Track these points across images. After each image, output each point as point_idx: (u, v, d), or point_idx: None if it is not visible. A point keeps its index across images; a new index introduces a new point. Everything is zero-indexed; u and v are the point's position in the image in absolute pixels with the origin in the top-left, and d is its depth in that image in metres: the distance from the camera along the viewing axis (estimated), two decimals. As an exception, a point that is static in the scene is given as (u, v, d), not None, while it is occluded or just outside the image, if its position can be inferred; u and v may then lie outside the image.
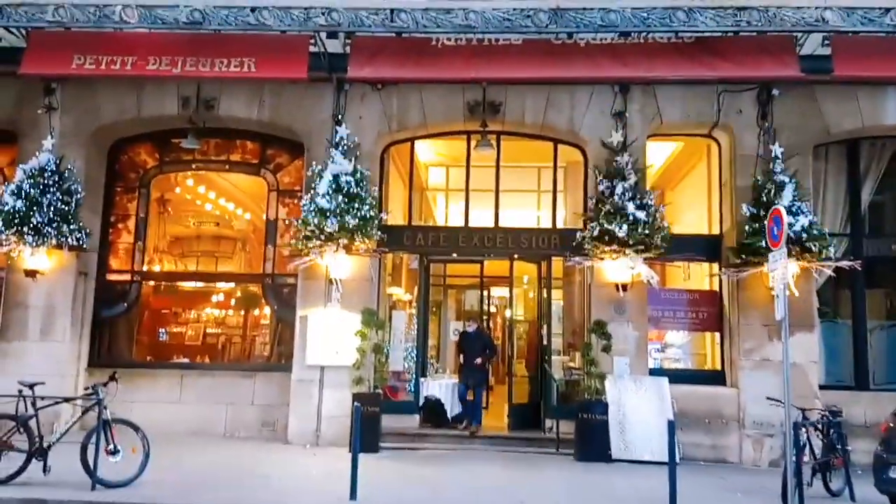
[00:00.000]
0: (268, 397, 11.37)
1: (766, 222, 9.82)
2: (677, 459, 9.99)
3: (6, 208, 10.36)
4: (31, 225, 10.32)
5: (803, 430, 7.93)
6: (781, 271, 7.71)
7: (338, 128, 11.14)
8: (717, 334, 11.56)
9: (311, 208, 10.59)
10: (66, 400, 7.83)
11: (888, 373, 11.17)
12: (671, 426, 7.15)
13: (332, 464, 9.31)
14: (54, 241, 10.54)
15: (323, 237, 10.52)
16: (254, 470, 8.94)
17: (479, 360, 11.61)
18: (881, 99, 11.10)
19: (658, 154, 12.96)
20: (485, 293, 13.45)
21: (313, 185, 10.80)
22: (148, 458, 7.71)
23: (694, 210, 12.53)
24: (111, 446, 7.58)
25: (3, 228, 10.33)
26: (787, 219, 7.77)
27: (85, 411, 7.87)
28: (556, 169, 12.14)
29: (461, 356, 12.13)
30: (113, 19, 9.79)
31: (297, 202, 11.38)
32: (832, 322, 11.37)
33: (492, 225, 11.93)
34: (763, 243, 10.17)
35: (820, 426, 8.52)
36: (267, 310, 12.33)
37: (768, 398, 8.77)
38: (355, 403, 8.61)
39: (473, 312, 16.25)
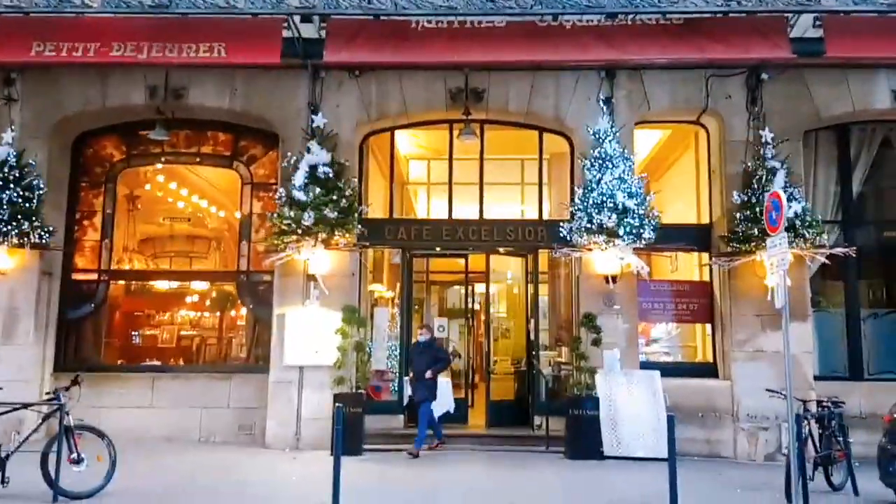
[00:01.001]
0: (245, 400, 10.87)
1: (763, 207, 9.56)
2: (672, 455, 9.88)
3: (-37, 204, 9.78)
4: (-10, 222, 9.75)
5: (805, 422, 7.60)
6: (780, 257, 7.37)
7: (314, 116, 10.67)
8: (709, 326, 11.28)
9: (287, 201, 10.13)
10: (25, 406, 7.28)
11: (883, 362, 10.93)
12: (671, 421, 6.77)
13: (313, 468, 8.84)
14: (15, 240, 9.98)
15: (300, 231, 10.07)
16: (230, 476, 8.47)
17: (428, 374, 10.24)
18: (871, 83, 10.87)
19: (644, 144, 12.64)
20: (469, 289, 13.04)
21: (289, 178, 10.33)
22: (115, 466, 7.20)
23: (682, 199, 12.23)
24: (74, 455, 7.05)
25: (-41, 226, 9.74)
26: (786, 202, 7.43)
27: (45, 417, 7.35)
28: (542, 159, 11.77)
29: (409, 367, 10.92)
30: (74, 3, 9.24)
31: (273, 196, 10.90)
32: (825, 311, 11.12)
33: (476, 217, 11.53)
34: (755, 231, 10.00)
35: (821, 418, 8.21)
36: (243, 309, 11.82)
37: (768, 390, 8.48)
38: (336, 404, 8.10)
39: (456, 310, 15.87)
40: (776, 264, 7.50)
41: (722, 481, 8.73)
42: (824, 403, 8.31)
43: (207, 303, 12.66)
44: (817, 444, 8.11)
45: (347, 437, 9.59)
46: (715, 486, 8.41)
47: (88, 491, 6.98)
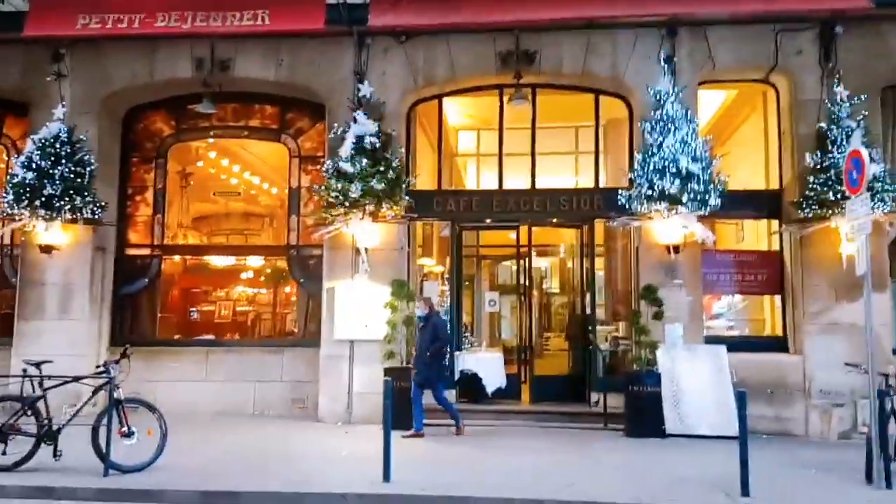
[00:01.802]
0: (297, 374, 10.80)
1: (839, 169, 9.07)
2: (737, 432, 9.34)
3: (16, 181, 9.86)
4: (43, 198, 9.82)
5: (888, 398, 7.01)
6: (863, 220, 6.78)
7: (360, 85, 10.37)
8: (778, 297, 10.64)
9: (334, 172, 9.90)
10: (75, 379, 7.25)
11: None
12: (742, 398, 6.33)
13: (364, 443, 8.68)
14: (68, 215, 10.03)
15: (347, 203, 9.85)
16: (281, 451, 8.37)
17: (429, 353, 9.33)
18: (957, 34, 9.95)
19: (708, 106, 11.92)
20: (521, 262, 12.58)
21: (336, 149, 10.09)
22: (165, 440, 7.15)
23: (749, 164, 11.50)
24: (125, 428, 7.02)
25: (14, 202, 9.84)
26: (868, 160, 6.78)
27: (96, 391, 7.30)
28: (598, 124, 11.21)
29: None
30: (118, -26, 9.14)
31: (320, 169, 10.67)
32: (902, 281, 10.34)
33: (528, 187, 11.09)
34: (830, 195, 9.34)
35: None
36: (295, 284, 11.69)
37: (847, 364, 7.85)
38: (386, 378, 7.84)
39: (508, 286, 15.48)
40: (857, 228, 6.91)
41: (794, 461, 8.19)
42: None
43: (261, 278, 12.63)
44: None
45: (398, 412, 9.48)
46: (787, 466, 7.89)
47: (139, 464, 6.96)
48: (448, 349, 10.07)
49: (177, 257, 12.21)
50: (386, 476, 6.76)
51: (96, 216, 10.32)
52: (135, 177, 11.71)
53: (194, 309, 12.26)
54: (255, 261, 12.50)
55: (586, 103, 11.25)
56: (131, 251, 11.56)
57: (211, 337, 11.53)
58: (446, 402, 9.62)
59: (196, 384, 10.82)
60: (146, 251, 11.55)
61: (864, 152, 6.85)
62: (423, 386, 9.38)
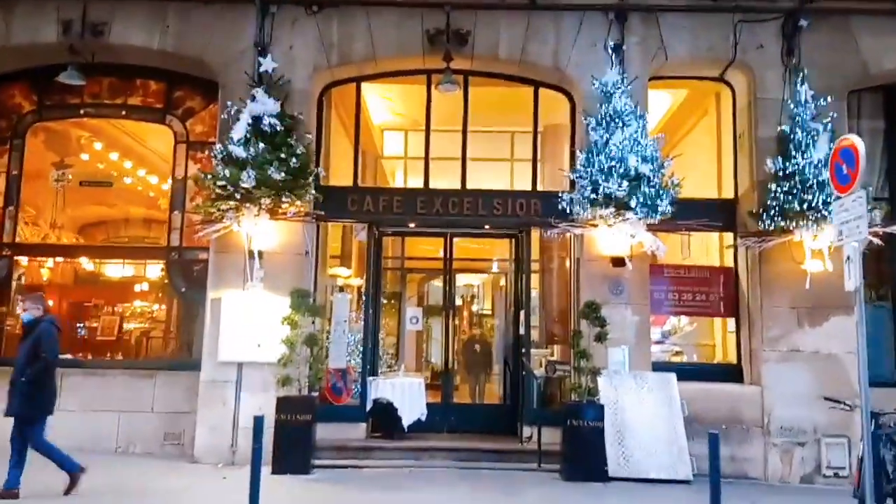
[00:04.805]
0: (172, 402, 8.94)
1: (802, 176, 8.18)
2: (689, 476, 8.07)
3: None
4: None
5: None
6: (854, 223, 5.58)
7: (261, 59, 8.79)
8: (732, 320, 9.49)
9: (225, 158, 8.23)
10: None
11: (938, 366, 9.19)
12: (714, 441, 5.00)
13: (245, 492, 6.91)
14: None
15: (239, 196, 8.17)
16: (142, 500, 6.69)
17: (23, 378, 6.56)
18: (930, 33, 9.14)
19: (654, 109, 10.75)
20: (449, 277, 11.10)
21: (229, 132, 8.43)
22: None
23: (700, 172, 10.36)
24: None
25: None
26: (863, 152, 5.62)
27: None
28: (537, 122, 9.89)
29: None
30: None
31: (210, 155, 8.94)
32: (870, 305, 9.31)
33: (458, 187, 9.65)
34: (794, 205, 8.28)
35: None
36: (173, 294, 9.85)
37: (827, 398, 6.66)
38: (256, 416, 5.85)
39: (436, 305, 13.98)
40: (848, 233, 5.71)
41: (760, 513, 6.94)
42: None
43: (137, 287, 10.72)
44: (889, 470, 6.31)
45: (293, 451, 7.90)
46: (754, 521, 6.61)
47: None
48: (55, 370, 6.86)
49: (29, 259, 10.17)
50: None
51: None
52: (-17, 160, 9.69)
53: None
54: (128, 268, 10.56)
55: (524, 100, 9.92)
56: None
57: (67, 356, 9.50)
58: (48, 445, 6.73)
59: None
60: (-9, 250, 9.51)
61: (859, 142, 5.67)
62: (25, 424, 6.57)
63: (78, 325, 10.42)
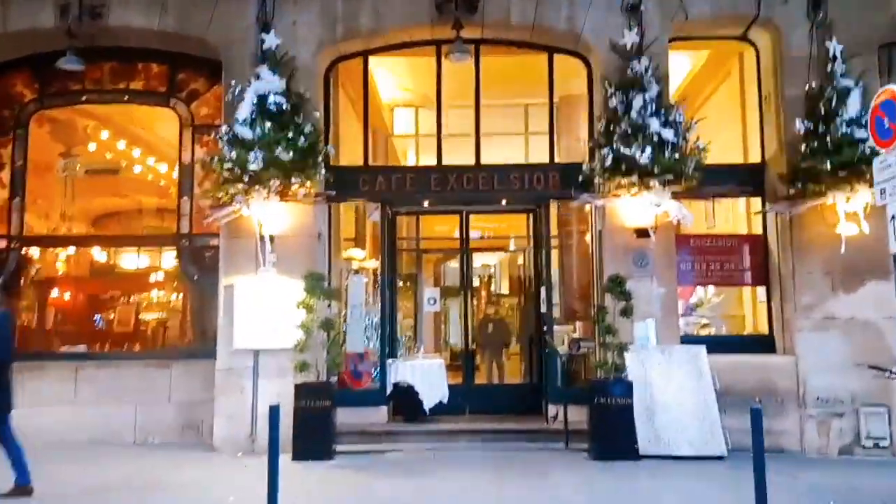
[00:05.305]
0: (189, 392, 8.76)
1: (833, 136, 7.73)
2: (724, 451, 7.79)
3: None
4: None
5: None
6: (899, 181, 5.22)
7: (265, 35, 8.47)
8: (762, 289, 9.14)
9: (231, 140, 7.96)
10: None
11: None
12: (757, 415, 4.72)
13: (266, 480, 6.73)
14: None
15: (247, 178, 7.90)
16: (157, 492, 6.48)
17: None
18: (963, -18, 8.65)
19: (674, 74, 10.35)
20: (466, 257, 10.80)
21: (234, 112, 8.16)
22: None
23: (724, 136, 9.97)
24: None
25: None
26: (906, 103, 5.25)
27: None
28: (553, 89, 9.52)
29: None
30: None
31: (216, 138, 8.66)
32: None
33: (472, 163, 9.33)
34: (826, 166, 7.87)
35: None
36: (186, 282, 9.64)
37: (871, 366, 6.35)
38: (271, 405, 5.61)
39: (454, 284, 13.73)
40: (890, 191, 5.35)
41: (801, 487, 6.68)
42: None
43: (152, 278, 10.54)
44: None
45: (313, 437, 7.72)
46: (797, 495, 6.32)
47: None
48: (11, 365, 6.42)
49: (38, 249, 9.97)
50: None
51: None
52: (-14, 150, 9.49)
53: (52, 312, 10.11)
54: (143, 259, 10.37)
55: (538, 70, 9.54)
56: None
57: (82, 348, 9.37)
58: (12, 442, 6.19)
59: (64, 407, 8.68)
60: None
61: (903, 92, 5.29)
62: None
63: (95, 316, 10.28)
